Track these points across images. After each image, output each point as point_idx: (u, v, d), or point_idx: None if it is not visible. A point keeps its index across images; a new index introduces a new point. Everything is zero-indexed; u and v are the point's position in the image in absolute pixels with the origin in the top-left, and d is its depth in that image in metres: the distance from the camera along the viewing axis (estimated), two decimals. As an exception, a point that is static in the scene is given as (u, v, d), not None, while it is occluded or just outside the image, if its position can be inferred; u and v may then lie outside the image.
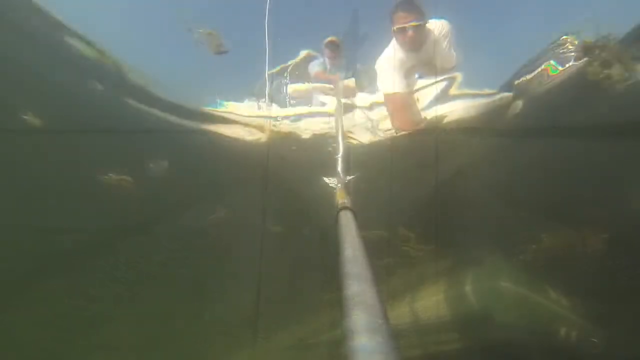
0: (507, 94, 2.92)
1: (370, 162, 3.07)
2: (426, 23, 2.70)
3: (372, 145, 3.21)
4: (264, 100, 3.84)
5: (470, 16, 3.03)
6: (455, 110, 3.05)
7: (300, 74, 4.39)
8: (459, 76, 3.03)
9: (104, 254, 2.93)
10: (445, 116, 3.05)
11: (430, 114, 3.05)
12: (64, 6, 2.87)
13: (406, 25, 2.60)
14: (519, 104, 2.92)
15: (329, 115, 3.34)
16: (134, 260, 2.96)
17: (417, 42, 2.75)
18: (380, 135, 3.21)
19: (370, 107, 3.29)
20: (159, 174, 3.16)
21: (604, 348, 2.48)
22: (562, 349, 2.57)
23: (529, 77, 2.78)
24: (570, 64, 2.57)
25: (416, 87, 3.06)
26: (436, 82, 3.02)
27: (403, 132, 3.11)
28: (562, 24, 2.59)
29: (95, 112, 3.08)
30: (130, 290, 2.85)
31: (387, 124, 3.15)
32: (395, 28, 2.68)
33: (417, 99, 3.07)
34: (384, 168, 3.16)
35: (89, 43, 2.92)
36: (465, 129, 3.10)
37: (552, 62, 2.65)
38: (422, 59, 2.91)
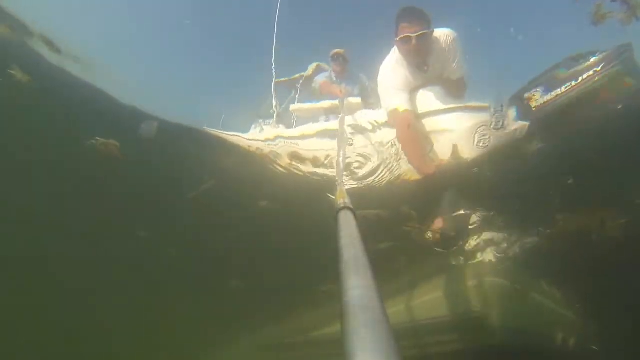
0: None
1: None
2: (431, 33, 2.51)
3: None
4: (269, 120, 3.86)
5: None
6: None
7: (308, 87, 4.38)
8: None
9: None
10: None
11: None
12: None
13: (410, 35, 2.41)
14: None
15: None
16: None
17: (421, 53, 2.55)
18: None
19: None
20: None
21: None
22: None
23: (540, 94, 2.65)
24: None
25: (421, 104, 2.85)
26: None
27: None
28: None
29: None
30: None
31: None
32: (398, 38, 2.49)
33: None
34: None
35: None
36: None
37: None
38: (427, 73, 2.71)
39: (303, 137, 3.36)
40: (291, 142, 3.33)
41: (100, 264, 3.14)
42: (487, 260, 3.37)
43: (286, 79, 4.57)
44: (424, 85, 2.82)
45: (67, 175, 3.00)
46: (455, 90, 2.84)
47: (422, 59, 2.60)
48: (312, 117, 4.06)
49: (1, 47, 2.54)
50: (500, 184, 3.07)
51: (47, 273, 3.01)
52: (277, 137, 3.37)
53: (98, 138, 2.69)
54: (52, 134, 2.86)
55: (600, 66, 2.40)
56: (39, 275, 2.96)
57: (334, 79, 4.12)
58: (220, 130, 3.32)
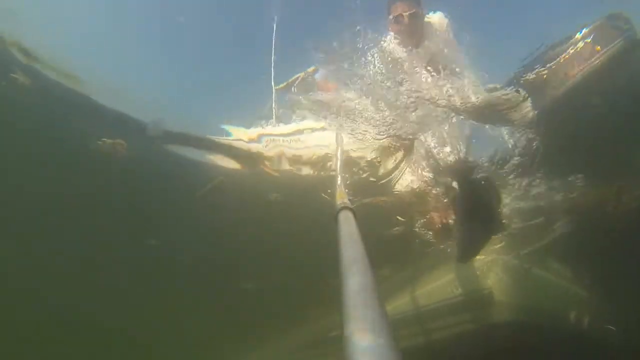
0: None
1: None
2: (422, 12, 2.61)
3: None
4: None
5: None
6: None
7: (307, 87, 4.38)
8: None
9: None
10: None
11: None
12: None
13: (402, 13, 2.52)
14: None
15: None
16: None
17: (413, 32, 2.60)
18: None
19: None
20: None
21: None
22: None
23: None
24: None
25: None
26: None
27: None
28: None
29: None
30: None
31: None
32: (391, 17, 2.59)
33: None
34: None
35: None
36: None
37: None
38: (421, 57, 2.72)
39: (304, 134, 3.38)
40: (292, 141, 3.35)
41: (109, 268, 3.16)
42: (498, 242, 3.35)
43: (284, 84, 4.58)
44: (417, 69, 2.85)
45: (71, 176, 3.02)
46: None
47: (414, 39, 2.63)
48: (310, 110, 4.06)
49: (3, 51, 2.57)
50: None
51: (53, 275, 3.03)
52: (280, 136, 3.40)
53: (104, 139, 2.69)
54: (56, 136, 2.89)
55: (600, 43, 2.36)
56: (41, 276, 2.99)
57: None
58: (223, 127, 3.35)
